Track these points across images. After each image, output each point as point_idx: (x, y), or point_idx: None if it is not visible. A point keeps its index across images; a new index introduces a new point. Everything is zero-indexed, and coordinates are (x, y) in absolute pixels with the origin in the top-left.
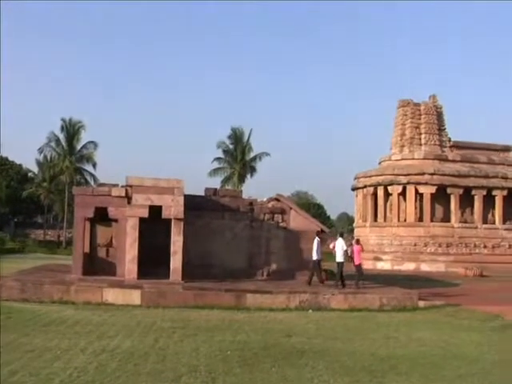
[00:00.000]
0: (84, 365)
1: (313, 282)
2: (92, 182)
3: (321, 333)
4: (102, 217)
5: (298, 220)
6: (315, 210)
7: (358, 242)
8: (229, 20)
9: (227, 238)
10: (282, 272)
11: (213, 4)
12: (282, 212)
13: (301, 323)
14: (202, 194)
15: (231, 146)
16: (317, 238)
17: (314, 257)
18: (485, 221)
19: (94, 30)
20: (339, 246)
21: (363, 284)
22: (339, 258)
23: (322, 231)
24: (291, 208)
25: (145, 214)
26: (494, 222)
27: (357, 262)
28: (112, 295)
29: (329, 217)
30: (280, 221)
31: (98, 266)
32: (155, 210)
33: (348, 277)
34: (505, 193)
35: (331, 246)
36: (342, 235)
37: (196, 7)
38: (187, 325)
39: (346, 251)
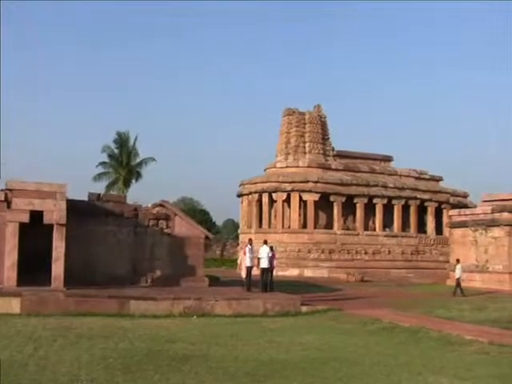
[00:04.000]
0: None
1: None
2: None
3: (205, 339)
4: None
5: (182, 226)
6: (201, 216)
7: (272, 248)
8: (109, 19)
9: (111, 244)
10: (167, 278)
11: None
12: (167, 218)
13: (185, 329)
14: (86, 198)
15: (116, 151)
16: (249, 245)
17: (248, 263)
18: (366, 228)
19: None
20: (264, 253)
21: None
22: (264, 264)
23: (207, 238)
24: (176, 214)
25: (25, 219)
26: (374, 229)
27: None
28: None
29: (214, 223)
30: (165, 227)
31: None
32: (37, 215)
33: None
34: (385, 201)
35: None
36: (266, 242)
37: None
38: (69, 333)
39: (271, 257)
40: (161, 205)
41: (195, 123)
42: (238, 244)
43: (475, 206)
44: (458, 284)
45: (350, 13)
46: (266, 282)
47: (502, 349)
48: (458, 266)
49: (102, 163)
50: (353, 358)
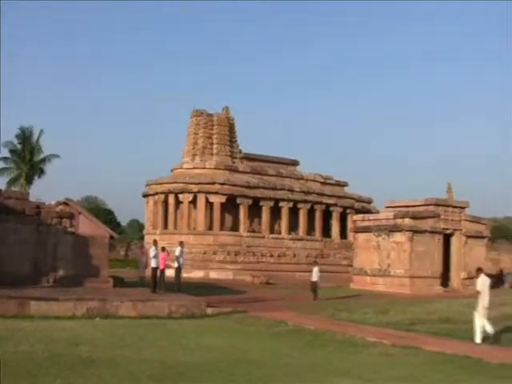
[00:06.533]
0: None
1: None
2: None
3: (109, 341)
4: None
5: (87, 225)
6: (105, 216)
7: (163, 249)
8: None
9: (11, 243)
10: (70, 278)
11: None
12: (71, 217)
13: (88, 331)
14: None
15: (19, 146)
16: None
17: (153, 264)
18: (272, 231)
19: None
20: (177, 254)
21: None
22: (176, 264)
23: (112, 237)
24: (80, 213)
25: None
26: (280, 232)
27: (161, 267)
28: None
29: (119, 223)
30: (68, 225)
31: None
32: None
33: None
34: (290, 205)
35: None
36: (181, 244)
37: None
38: None
39: (178, 258)
40: (64, 203)
41: (101, 121)
42: (143, 245)
43: (378, 212)
44: (314, 287)
45: (261, 11)
46: (178, 281)
47: (405, 351)
48: (315, 270)
49: (3, 158)
50: (258, 361)
